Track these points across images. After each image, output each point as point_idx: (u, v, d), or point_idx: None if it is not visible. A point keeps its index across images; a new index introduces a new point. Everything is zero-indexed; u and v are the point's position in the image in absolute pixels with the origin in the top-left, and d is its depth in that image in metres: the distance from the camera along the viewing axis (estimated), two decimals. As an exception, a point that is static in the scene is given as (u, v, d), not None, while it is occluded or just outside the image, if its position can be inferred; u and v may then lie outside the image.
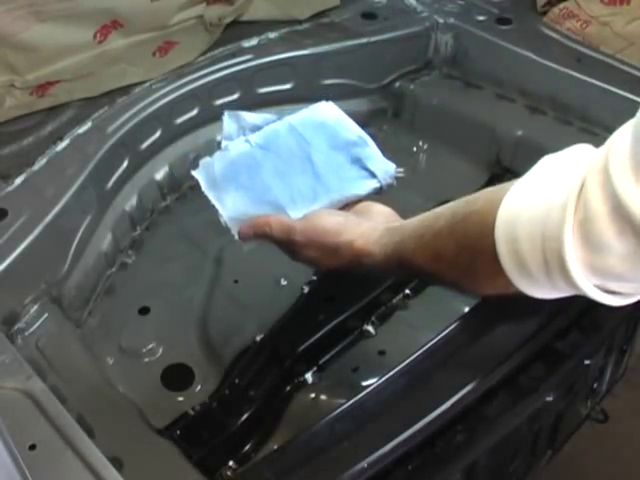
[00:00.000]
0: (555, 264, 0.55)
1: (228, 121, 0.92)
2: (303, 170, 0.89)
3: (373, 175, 0.88)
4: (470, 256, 0.65)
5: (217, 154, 0.90)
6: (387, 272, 0.81)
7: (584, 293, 0.57)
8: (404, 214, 0.81)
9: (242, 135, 0.91)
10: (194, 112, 1.28)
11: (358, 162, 0.89)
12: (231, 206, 0.87)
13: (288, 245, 0.84)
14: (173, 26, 1.32)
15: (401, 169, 0.90)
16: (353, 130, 0.92)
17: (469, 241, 0.65)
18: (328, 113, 0.93)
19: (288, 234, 0.83)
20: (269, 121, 0.92)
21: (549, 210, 0.55)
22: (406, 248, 0.73)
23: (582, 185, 0.54)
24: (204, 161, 0.90)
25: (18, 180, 1.05)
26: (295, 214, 0.86)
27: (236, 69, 1.30)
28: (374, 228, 0.78)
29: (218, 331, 1.06)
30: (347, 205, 0.88)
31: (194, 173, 0.90)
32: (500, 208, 0.60)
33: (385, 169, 0.89)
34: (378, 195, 0.89)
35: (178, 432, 0.91)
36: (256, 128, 0.92)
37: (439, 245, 0.69)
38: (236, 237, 0.87)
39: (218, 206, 0.87)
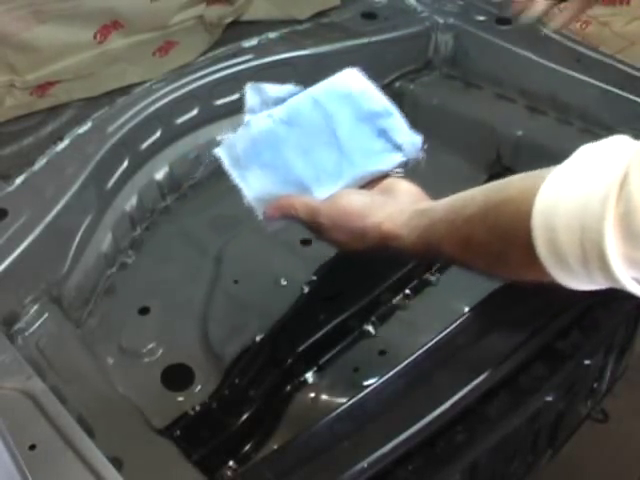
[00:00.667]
0: (594, 256, 0.55)
1: (251, 94, 0.89)
2: (327, 145, 0.86)
3: (399, 148, 0.86)
4: (503, 244, 0.64)
5: (239, 131, 0.88)
6: (414, 255, 0.80)
7: (622, 286, 0.56)
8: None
9: (265, 108, 0.88)
10: (194, 112, 1.28)
11: (384, 134, 0.86)
12: (255, 186, 0.85)
13: (313, 226, 0.83)
14: (173, 26, 1.32)
15: (401, 169, 0.89)
16: (378, 100, 0.88)
17: (502, 229, 0.64)
18: (353, 83, 0.89)
19: (313, 217, 0.81)
20: (293, 93, 0.89)
21: (589, 201, 0.55)
22: (434, 232, 0.72)
23: (624, 177, 0.53)
24: (226, 139, 0.88)
25: (18, 180, 1.05)
26: (320, 193, 0.84)
27: (236, 69, 1.29)
28: (401, 210, 0.77)
29: (218, 331, 1.06)
30: (373, 181, 0.86)
31: (216, 151, 0.87)
32: (537, 197, 0.59)
33: (411, 141, 0.86)
34: (405, 169, 0.86)
35: (178, 432, 0.91)
36: (280, 100, 0.89)
37: (469, 232, 0.68)
38: (260, 217, 0.85)
39: (242, 185, 0.85)
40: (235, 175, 0.86)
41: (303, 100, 0.88)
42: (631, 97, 1.18)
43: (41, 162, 1.08)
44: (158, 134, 1.23)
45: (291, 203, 0.83)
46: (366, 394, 0.77)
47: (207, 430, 0.91)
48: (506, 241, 0.64)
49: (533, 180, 0.61)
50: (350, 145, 0.86)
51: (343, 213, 0.80)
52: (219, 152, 0.88)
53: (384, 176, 0.86)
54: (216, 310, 1.10)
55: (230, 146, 0.87)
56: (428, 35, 1.42)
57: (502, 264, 0.67)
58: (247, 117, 0.88)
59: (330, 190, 0.84)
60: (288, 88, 0.90)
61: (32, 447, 0.69)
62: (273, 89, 0.89)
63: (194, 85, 1.26)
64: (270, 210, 0.84)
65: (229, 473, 0.90)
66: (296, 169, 0.85)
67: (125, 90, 1.24)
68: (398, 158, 0.86)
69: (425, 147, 0.87)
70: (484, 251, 0.67)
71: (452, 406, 0.75)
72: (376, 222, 0.77)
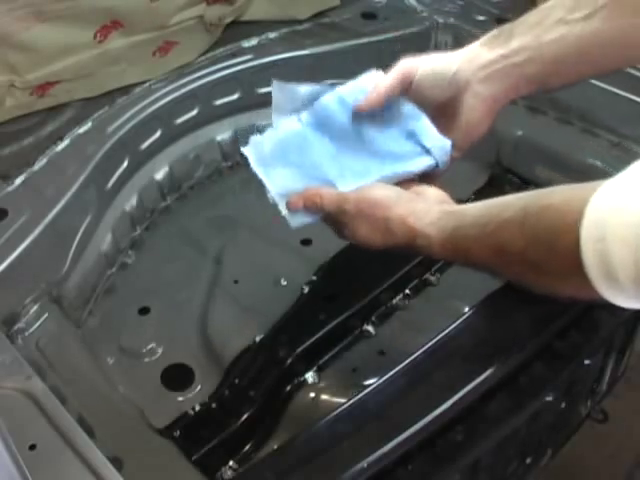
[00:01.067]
0: None
1: (276, 92, 0.89)
2: (355, 147, 0.86)
3: (428, 151, 0.84)
4: (542, 253, 0.63)
5: (268, 132, 0.88)
6: (439, 256, 0.77)
7: None
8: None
9: (293, 107, 0.88)
10: (194, 112, 1.28)
11: (412, 137, 0.85)
12: (279, 182, 0.85)
13: (338, 216, 0.81)
14: (173, 26, 1.32)
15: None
16: (405, 102, 0.87)
17: (542, 238, 0.62)
18: None
19: (339, 204, 0.80)
20: (320, 92, 0.89)
21: None
22: (465, 235, 0.70)
23: None
24: (254, 139, 0.87)
25: (18, 180, 1.05)
26: (344, 188, 0.83)
27: (236, 69, 1.30)
28: (428, 209, 0.76)
29: (218, 331, 1.06)
30: (400, 184, 0.84)
31: (244, 150, 0.87)
32: (588, 207, 0.57)
33: (441, 146, 0.84)
34: (434, 172, 0.85)
35: (178, 432, 0.91)
36: (306, 100, 0.88)
37: (505, 237, 0.66)
38: (283, 212, 0.84)
39: (266, 181, 0.85)
40: (260, 172, 0.85)
41: (331, 102, 0.88)
42: (631, 97, 1.18)
43: (41, 162, 1.09)
44: (158, 134, 1.23)
45: (317, 191, 0.82)
46: (366, 394, 0.77)
47: (207, 430, 0.91)
48: (546, 250, 0.62)
49: (581, 191, 0.59)
50: (378, 147, 0.86)
51: (369, 201, 0.79)
52: (246, 150, 0.87)
53: (412, 180, 0.85)
54: (216, 310, 1.10)
55: (257, 145, 0.87)
56: (428, 35, 1.42)
57: (539, 274, 0.65)
58: (274, 115, 0.88)
59: (354, 185, 0.83)
60: (315, 88, 0.89)
61: (32, 447, 0.69)
62: (300, 89, 0.89)
63: (194, 85, 1.26)
64: (295, 199, 0.83)
65: (229, 473, 0.90)
66: (322, 168, 0.85)
67: (125, 90, 1.24)
68: (427, 161, 0.84)
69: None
70: (519, 259, 0.65)
71: (452, 406, 0.75)
72: (400, 214, 0.76)
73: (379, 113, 0.87)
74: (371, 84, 0.87)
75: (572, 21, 0.78)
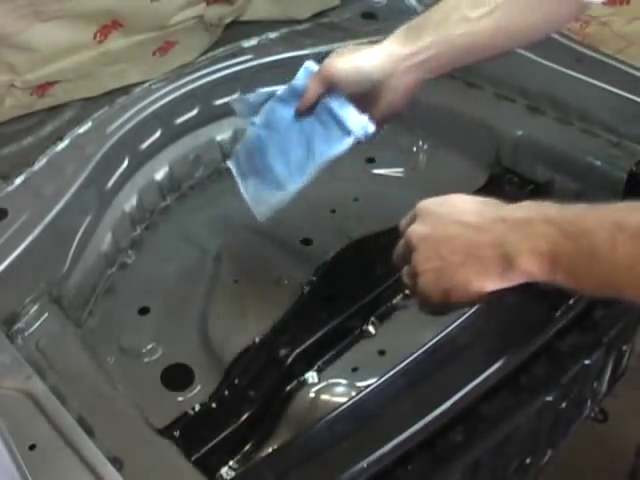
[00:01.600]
0: None
1: (237, 107, 1.02)
2: (298, 141, 0.95)
3: (349, 133, 0.92)
4: None
5: (240, 142, 1.02)
6: (539, 237, 0.64)
7: None
8: (404, 214, 0.81)
9: (253, 114, 0.99)
10: (194, 112, 1.28)
11: (339, 123, 0.93)
12: (251, 191, 0.99)
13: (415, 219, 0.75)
14: (173, 26, 1.33)
15: (401, 169, 0.90)
16: (335, 95, 0.95)
17: None
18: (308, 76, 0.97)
19: (411, 214, 0.76)
20: (270, 94, 0.99)
21: None
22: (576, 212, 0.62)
23: None
24: (234, 151, 1.03)
25: (18, 180, 1.05)
26: (293, 187, 0.94)
27: (236, 69, 1.30)
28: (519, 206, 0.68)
29: (218, 331, 1.06)
30: None
31: (228, 163, 1.03)
32: None
33: (360, 124, 0.92)
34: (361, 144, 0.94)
35: (178, 432, 0.91)
36: (261, 105, 1.00)
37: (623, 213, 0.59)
38: (258, 218, 0.97)
39: (243, 191, 0.99)
40: (240, 185, 1.00)
41: (274, 102, 0.98)
42: (631, 97, 1.18)
43: (41, 162, 1.09)
44: (158, 134, 1.23)
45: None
46: (366, 394, 0.77)
47: (207, 430, 0.91)
48: None
49: None
50: (314, 138, 0.94)
51: (444, 196, 0.75)
52: (229, 164, 1.03)
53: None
54: (216, 310, 1.10)
55: (236, 156, 1.02)
56: (428, 35, 1.42)
57: None
58: (245, 124, 1.02)
59: (298, 183, 0.94)
60: (266, 91, 0.99)
61: (32, 447, 0.69)
62: (253, 97, 1.00)
63: (194, 85, 1.26)
64: None
65: (229, 473, 0.90)
66: (274, 169, 0.96)
67: (125, 90, 1.25)
68: (349, 141, 0.93)
69: (425, 147, 0.88)
70: None
71: (452, 406, 0.75)
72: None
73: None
74: (305, 80, 0.95)
75: (474, 19, 0.87)
